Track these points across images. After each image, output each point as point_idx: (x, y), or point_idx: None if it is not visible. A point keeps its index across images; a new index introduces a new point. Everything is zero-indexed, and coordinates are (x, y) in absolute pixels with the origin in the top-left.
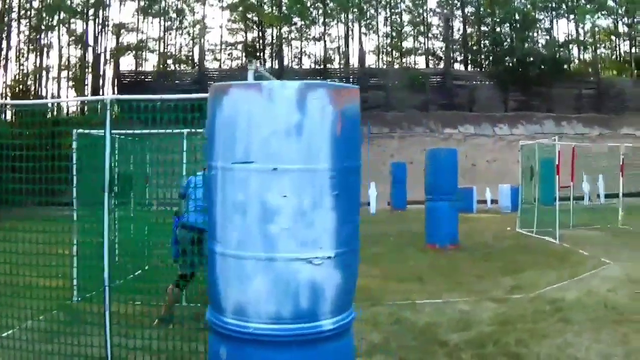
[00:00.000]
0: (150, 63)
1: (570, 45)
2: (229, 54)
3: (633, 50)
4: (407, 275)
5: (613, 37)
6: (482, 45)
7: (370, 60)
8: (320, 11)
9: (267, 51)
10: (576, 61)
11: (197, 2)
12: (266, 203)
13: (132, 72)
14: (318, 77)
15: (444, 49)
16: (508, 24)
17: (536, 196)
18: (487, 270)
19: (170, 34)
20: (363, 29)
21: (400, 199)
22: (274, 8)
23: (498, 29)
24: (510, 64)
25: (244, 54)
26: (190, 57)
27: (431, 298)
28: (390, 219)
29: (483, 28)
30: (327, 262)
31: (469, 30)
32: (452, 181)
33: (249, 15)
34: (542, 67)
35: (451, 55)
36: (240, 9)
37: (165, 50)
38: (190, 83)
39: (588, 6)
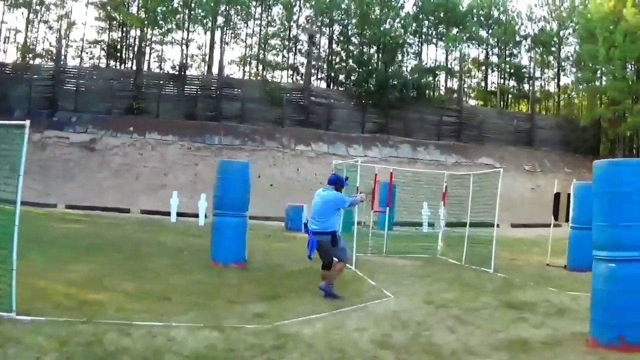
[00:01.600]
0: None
1: (437, 72)
2: (89, 53)
3: (500, 81)
4: (161, 293)
5: (483, 68)
6: (345, 65)
7: (231, 70)
8: (185, 16)
9: (129, 52)
10: (442, 88)
11: None
12: None
13: None
14: (175, 82)
15: (305, 64)
16: (375, 46)
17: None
18: (248, 294)
19: (32, 26)
20: (226, 38)
21: None
22: (138, 10)
23: (364, 50)
24: (372, 86)
25: (103, 53)
26: (50, 52)
27: (154, 320)
28: (199, 232)
29: (349, 47)
30: None
31: (335, 48)
32: (241, 196)
33: (114, 15)
34: (404, 91)
35: (311, 72)
36: (108, 8)
37: (27, 43)
38: (47, 78)
39: (457, 34)
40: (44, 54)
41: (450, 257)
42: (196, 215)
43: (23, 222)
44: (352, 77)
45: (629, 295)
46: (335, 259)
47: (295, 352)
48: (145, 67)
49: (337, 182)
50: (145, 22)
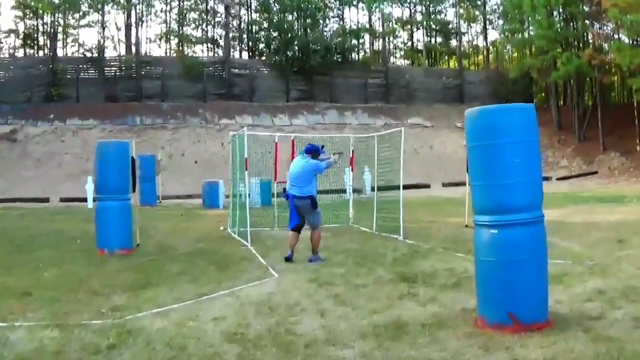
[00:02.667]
0: None
1: (360, 34)
2: (4, 42)
3: (426, 39)
4: (24, 288)
5: (408, 26)
6: (266, 34)
7: (150, 49)
8: None
9: (46, 39)
10: (367, 51)
11: None
12: None
13: None
14: (94, 65)
15: (223, 36)
16: (295, 13)
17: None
18: (118, 285)
19: None
20: (142, 16)
21: (150, 194)
22: None
23: (284, 17)
24: (292, 53)
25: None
26: None
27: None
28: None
29: (267, 15)
30: None
31: (254, 17)
32: (122, 178)
33: (28, 1)
34: (327, 56)
35: (230, 43)
36: None
37: None
38: None
39: None
40: None
41: (363, 225)
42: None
43: None
44: (273, 46)
45: (517, 266)
46: (310, 226)
47: (128, 352)
48: (62, 53)
49: (313, 151)
50: (58, 7)
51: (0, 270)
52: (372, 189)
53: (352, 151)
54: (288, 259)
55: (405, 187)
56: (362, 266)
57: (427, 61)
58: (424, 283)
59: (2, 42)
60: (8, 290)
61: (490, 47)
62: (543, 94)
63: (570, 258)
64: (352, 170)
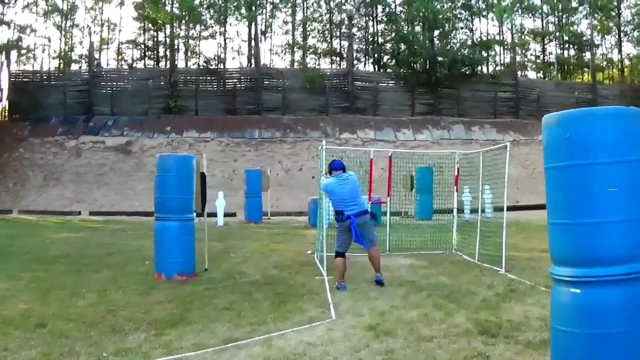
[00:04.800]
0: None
1: (489, 46)
2: (124, 54)
3: (558, 51)
4: (43, 319)
5: (539, 38)
6: (391, 45)
7: (271, 60)
8: (216, 8)
9: (162, 50)
10: (496, 63)
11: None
12: None
13: (24, 72)
14: (213, 77)
15: (346, 48)
16: (421, 23)
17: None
18: (149, 319)
19: (63, 31)
20: (261, 27)
21: (255, 211)
22: (172, 6)
23: (410, 28)
24: (418, 65)
25: (138, 54)
26: (84, 57)
27: None
28: (221, 234)
29: (392, 26)
30: None
31: (378, 28)
32: (184, 196)
33: (146, 14)
34: (453, 68)
35: (354, 55)
36: (144, 6)
37: (63, 48)
38: (81, 83)
39: (508, 4)
40: (78, 59)
41: (466, 252)
42: (233, 215)
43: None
44: (399, 58)
45: (608, 342)
46: (371, 243)
47: None
48: (182, 65)
49: (343, 166)
50: (179, 19)
51: (36, 294)
52: (495, 209)
53: (458, 169)
54: (343, 289)
55: (530, 207)
56: (441, 309)
57: (559, 74)
58: (505, 338)
59: (123, 53)
60: (25, 320)
61: (625, 60)
62: None
63: None
64: (456, 191)
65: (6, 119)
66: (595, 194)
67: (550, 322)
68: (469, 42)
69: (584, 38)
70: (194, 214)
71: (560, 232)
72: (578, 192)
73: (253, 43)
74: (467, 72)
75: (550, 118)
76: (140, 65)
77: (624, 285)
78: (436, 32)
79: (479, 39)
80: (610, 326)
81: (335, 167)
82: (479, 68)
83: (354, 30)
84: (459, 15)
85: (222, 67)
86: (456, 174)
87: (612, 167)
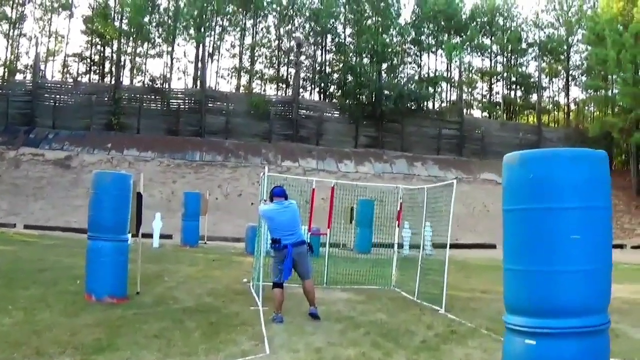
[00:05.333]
0: None
1: (436, 83)
2: (70, 67)
3: (505, 91)
4: None
5: (486, 77)
6: (336, 75)
7: (214, 83)
8: (165, 27)
9: (108, 66)
10: (443, 100)
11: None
12: None
13: None
14: (157, 96)
15: (293, 75)
16: (369, 55)
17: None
18: (78, 343)
19: (10, 40)
20: (209, 49)
21: (192, 234)
22: (120, 22)
23: (358, 60)
24: (364, 97)
25: (84, 68)
26: (29, 67)
27: None
28: (156, 257)
29: (340, 57)
30: None
31: (327, 58)
32: (120, 216)
33: (94, 27)
34: (399, 102)
35: (300, 83)
36: (94, 20)
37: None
38: (25, 94)
39: (458, 42)
40: (23, 69)
41: (405, 289)
42: (169, 237)
43: None
44: (345, 89)
45: None
46: (305, 276)
47: None
48: (127, 82)
49: (285, 194)
50: (127, 35)
51: None
52: (435, 247)
53: (401, 204)
54: (279, 321)
55: (469, 246)
56: (379, 348)
57: (504, 114)
58: None
59: (69, 66)
60: None
61: (572, 104)
62: (623, 157)
63: None
64: (398, 226)
65: None
66: (556, 241)
67: None
68: (417, 77)
69: (532, 80)
70: (129, 235)
71: (516, 279)
72: (538, 238)
73: (200, 65)
74: (413, 107)
75: (512, 157)
76: (85, 79)
77: (583, 338)
78: (384, 65)
79: (426, 75)
80: None
81: (277, 194)
82: (425, 104)
83: (302, 58)
84: (407, 50)
85: (167, 86)
86: (399, 208)
87: (576, 212)
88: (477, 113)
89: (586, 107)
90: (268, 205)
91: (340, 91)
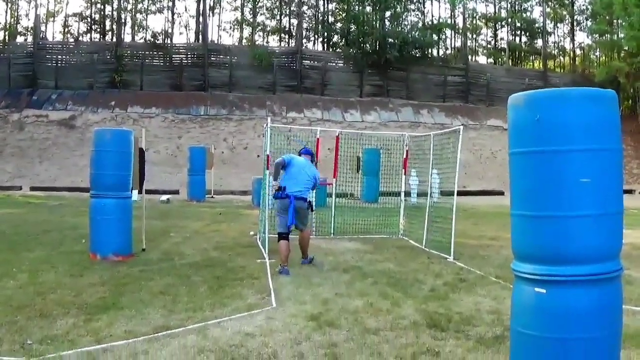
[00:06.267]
0: None
1: (441, 29)
2: (70, 27)
3: (510, 37)
4: None
5: (491, 23)
6: (340, 25)
7: (217, 36)
8: None
9: (109, 24)
10: (447, 47)
11: None
12: None
13: None
14: (159, 52)
15: (295, 26)
16: (373, 4)
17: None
18: (82, 303)
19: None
20: (210, 2)
21: (198, 189)
22: None
23: (361, 8)
24: (368, 46)
25: (84, 28)
26: (29, 29)
27: None
28: (162, 213)
29: (343, 5)
30: None
31: (330, 7)
32: (122, 173)
33: None
34: (404, 50)
35: (303, 33)
36: None
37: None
38: (26, 56)
39: None
40: (24, 31)
41: (413, 237)
42: (176, 192)
43: None
44: (349, 38)
45: (575, 349)
46: (303, 227)
47: None
48: (129, 39)
49: (313, 155)
50: None
51: None
52: (443, 194)
53: (407, 151)
54: (286, 273)
55: (478, 193)
56: (387, 298)
57: (510, 61)
58: (455, 332)
59: (69, 26)
60: None
61: (577, 49)
62: (630, 101)
63: None
64: (404, 174)
65: None
66: (566, 185)
67: (510, 323)
68: (420, 25)
69: (537, 25)
70: (135, 192)
71: (525, 225)
72: (546, 182)
73: (201, 19)
74: (418, 55)
75: (517, 98)
76: (86, 38)
77: (595, 286)
78: (387, 13)
79: (430, 22)
80: (578, 331)
81: (304, 152)
82: (430, 51)
83: (304, 8)
84: None
85: (169, 42)
86: (405, 156)
87: (585, 155)
88: (482, 59)
89: (592, 52)
90: (295, 155)
91: (344, 40)
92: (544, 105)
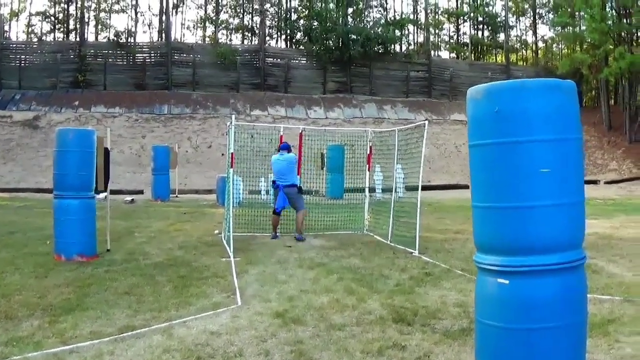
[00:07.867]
0: None
1: (403, 25)
2: (29, 26)
3: (472, 32)
4: None
5: (453, 18)
6: (303, 22)
7: (180, 35)
8: None
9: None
10: (410, 42)
11: None
12: None
13: None
14: (123, 52)
15: (258, 24)
16: (334, 0)
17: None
18: (47, 304)
19: None
20: (173, 0)
21: (162, 188)
22: None
23: (323, 5)
24: (331, 42)
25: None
26: None
27: None
28: (126, 213)
29: (306, 2)
30: None
31: (291, 4)
32: (85, 172)
33: None
34: (366, 46)
35: (266, 31)
36: None
37: None
38: None
39: None
40: None
41: (379, 233)
42: (140, 192)
43: None
44: (312, 34)
45: (539, 339)
46: (296, 208)
47: None
48: (92, 38)
49: (288, 147)
50: None
51: None
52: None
53: (370, 147)
54: (275, 238)
55: (443, 187)
56: (353, 293)
57: (472, 55)
58: (421, 326)
59: (33, 26)
60: None
61: (540, 42)
62: (593, 93)
63: (620, 292)
64: (369, 169)
65: None
66: (526, 175)
67: (475, 315)
68: (383, 21)
69: (499, 19)
70: (102, 193)
71: (486, 217)
72: (506, 173)
73: (164, 17)
74: (380, 51)
75: (477, 90)
76: (50, 38)
77: (557, 276)
78: (350, 10)
79: (393, 18)
80: (543, 321)
81: (281, 147)
82: (393, 47)
83: (267, 5)
84: None
85: (132, 41)
86: (369, 152)
87: (545, 145)
88: (445, 54)
89: (554, 45)
90: (275, 155)
91: (307, 37)
92: (502, 97)
